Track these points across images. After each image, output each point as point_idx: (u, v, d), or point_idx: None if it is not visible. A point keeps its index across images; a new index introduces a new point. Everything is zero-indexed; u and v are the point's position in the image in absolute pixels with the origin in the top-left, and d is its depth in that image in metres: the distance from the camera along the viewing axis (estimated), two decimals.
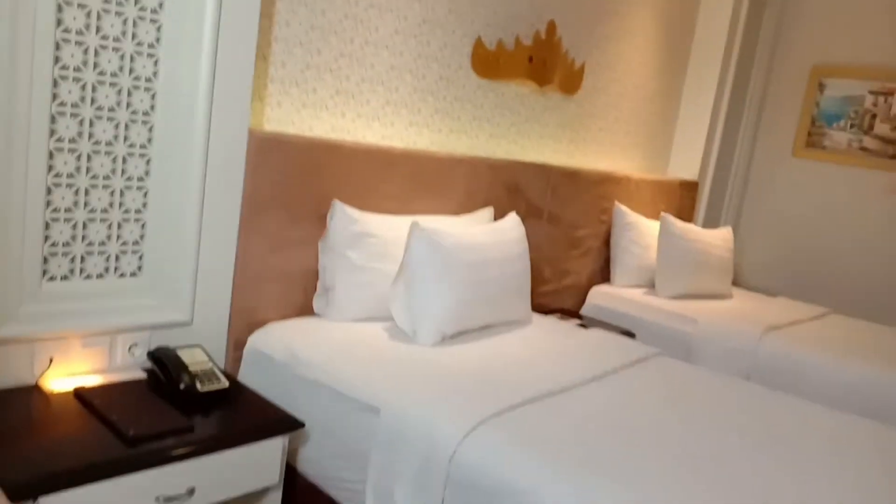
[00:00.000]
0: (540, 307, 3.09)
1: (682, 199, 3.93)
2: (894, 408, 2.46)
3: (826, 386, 2.60)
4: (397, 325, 2.12)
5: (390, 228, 2.20)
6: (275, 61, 2.10)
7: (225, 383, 1.74)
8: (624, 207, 3.40)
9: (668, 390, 2.01)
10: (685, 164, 4.03)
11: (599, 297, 3.28)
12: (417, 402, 1.67)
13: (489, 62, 2.74)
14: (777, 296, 3.90)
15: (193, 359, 1.76)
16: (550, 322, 2.56)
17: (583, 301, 3.33)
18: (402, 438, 1.60)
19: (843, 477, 1.58)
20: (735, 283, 4.49)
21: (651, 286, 3.37)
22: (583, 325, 2.82)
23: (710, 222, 4.23)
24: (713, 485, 1.45)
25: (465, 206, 2.63)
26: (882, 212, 4.04)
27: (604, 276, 3.47)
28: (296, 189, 2.08)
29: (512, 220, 2.47)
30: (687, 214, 3.98)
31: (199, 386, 1.68)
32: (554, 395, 1.80)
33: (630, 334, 3.02)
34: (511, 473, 1.45)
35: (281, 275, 2.11)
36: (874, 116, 4.09)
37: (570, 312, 3.17)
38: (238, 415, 1.72)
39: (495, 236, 2.33)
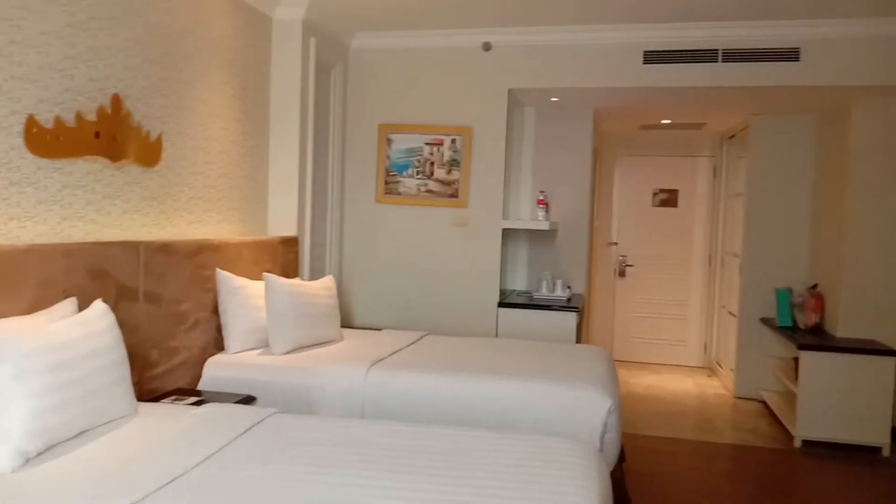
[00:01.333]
0: (152, 392, 2.91)
1: (285, 256, 4.09)
2: (494, 412, 2.91)
3: (432, 402, 2.96)
4: None
5: None
6: None
7: None
8: (227, 273, 3.40)
9: (282, 450, 2.07)
10: (284, 222, 4.22)
11: (215, 368, 3.22)
12: None
13: (47, 141, 2.51)
14: (382, 329, 4.31)
15: None
16: (160, 409, 2.43)
17: (199, 375, 3.23)
18: None
19: (464, 485, 1.81)
20: (349, 325, 4.85)
21: (266, 346, 3.44)
22: (199, 402, 2.74)
23: (317, 273, 4.50)
24: None
25: (40, 301, 2.34)
26: (453, 240, 4.78)
27: (218, 345, 3.42)
28: None
29: (98, 308, 2.29)
30: (293, 270, 4.16)
31: None
32: (165, 486, 1.71)
33: (251, 399, 3.04)
34: None
35: None
36: (433, 163, 4.84)
37: (187, 391, 3.05)
38: None
39: (79, 330, 2.13)
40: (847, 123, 4.65)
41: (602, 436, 2.81)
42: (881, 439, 4.28)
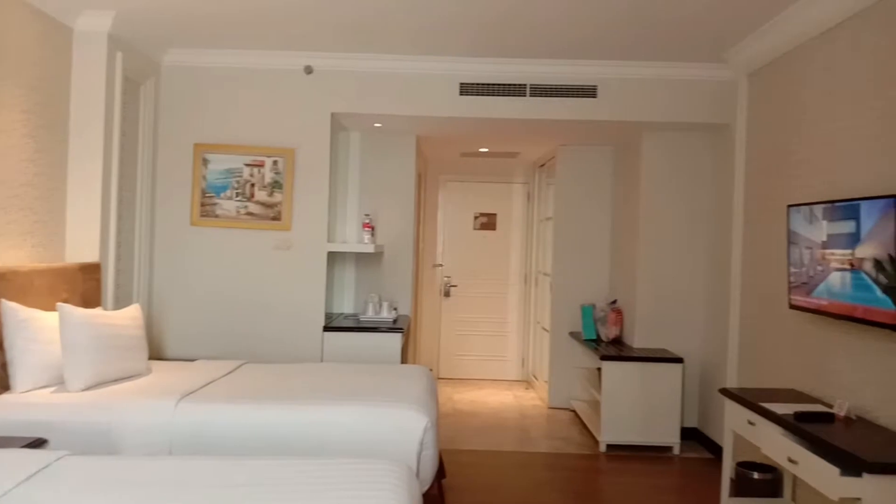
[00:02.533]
0: None
1: (85, 284, 3.77)
2: (311, 438, 2.86)
3: (246, 434, 2.86)
4: None
5: None
6: None
7: None
8: (13, 304, 3.08)
9: (73, 496, 1.90)
10: (84, 247, 3.89)
11: (0, 410, 2.88)
12: None
13: None
14: (196, 359, 4.10)
15: None
16: None
17: None
18: None
19: None
20: (160, 356, 4.56)
21: (61, 383, 3.14)
22: None
23: (123, 301, 4.19)
24: None
25: None
26: (275, 264, 4.68)
27: (3, 384, 3.07)
28: None
29: None
30: (94, 299, 3.84)
31: None
32: None
33: (42, 442, 2.76)
34: None
35: None
36: (253, 185, 4.72)
37: None
38: None
39: None
40: (639, 154, 5.18)
41: (419, 454, 2.87)
42: (672, 439, 4.76)
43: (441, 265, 7.18)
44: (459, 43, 4.27)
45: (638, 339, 5.14)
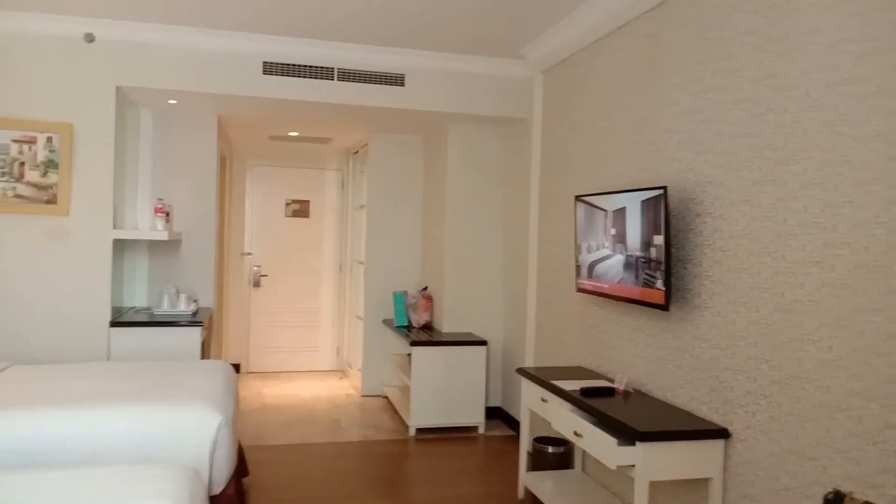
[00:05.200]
0: None
1: None
2: (87, 446, 2.56)
3: (7, 446, 2.50)
4: None
5: None
6: None
7: None
8: None
9: None
10: None
11: None
12: None
13: None
14: None
15: None
16: None
17: None
18: None
19: None
20: None
21: None
22: None
23: None
24: None
25: None
26: (50, 253, 4.17)
27: None
28: None
29: None
30: None
31: None
32: None
33: None
34: None
35: None
36: (23, 164, 4.17)
37: None
38: None
39: None
40: (444, 145, 5.29)
41: (212, 454, 2.70)
42: (477, 419, 4.94)
43: (250, 254, 6.86)
44: (263, 19, 4.06)
45: (447, 325, 5.27)
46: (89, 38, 4.19)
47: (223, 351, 6.41)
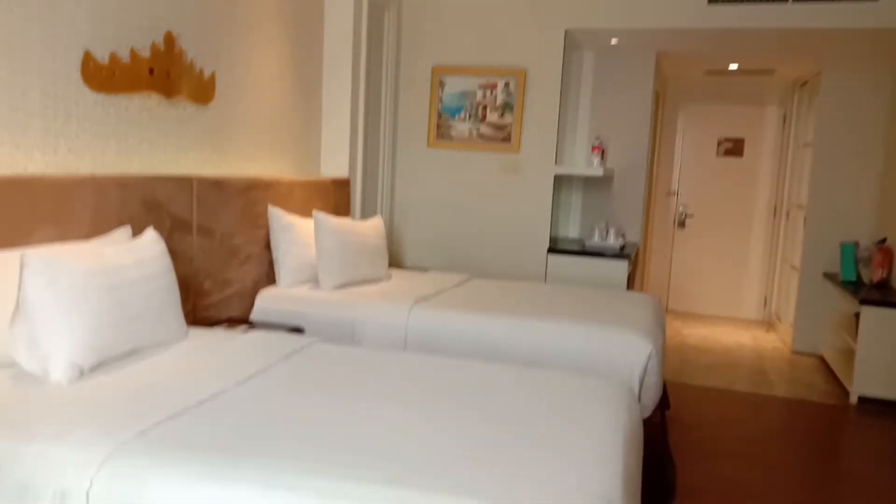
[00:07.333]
0: (206, 320, 3.05)
1: (337, 197, 4.16)
2: (530, 351, 2.94)
3: (470, 340, 3.01)
4: (24, 370, 1.93)
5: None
6: None
7: None
8: (278, 210, 3.49)
9: (320, 375, 2.15)
10: (336, 164, 4.28)
11: (267, 300, 3.34)
12: (48, 441, 1.55)
13: (103, 76, 2.60)
14: (429, 270, 4.36)
15: None
16: (210, 334, 2.55)
17: (251, 306, 3.36)
18: (31, 487, 1.48)
19: (487, 417, 1.86)
20: (397, 265, 4.93)
21: (316, 281, 3.54)
22: (249, 330, 2.85)
23: (368, 213, 4.57)
24: (387, 452, 1.60)
25: (96, 228, 2.47)
26: (504, 185, 4.76)
27: (270, 279, 3.54)
28: None
29: (150, 236, 2.39)
30: (344, 210, 4.23)
31: None
32: (204, 403, 1.81)
33: (300, 330, 3.15)
34: (154, 495, 1.44)
35: None
36: (485, 107, 4.79)
37: (239, 320, 3.18)
38: None
39: (132, 256, 2.24)
40: None
41: (641, 380, 2.79)
42: None
43: (676, 193, 6.77)
44: None
45: None
46: None
47: (645, 286, 6.54)
